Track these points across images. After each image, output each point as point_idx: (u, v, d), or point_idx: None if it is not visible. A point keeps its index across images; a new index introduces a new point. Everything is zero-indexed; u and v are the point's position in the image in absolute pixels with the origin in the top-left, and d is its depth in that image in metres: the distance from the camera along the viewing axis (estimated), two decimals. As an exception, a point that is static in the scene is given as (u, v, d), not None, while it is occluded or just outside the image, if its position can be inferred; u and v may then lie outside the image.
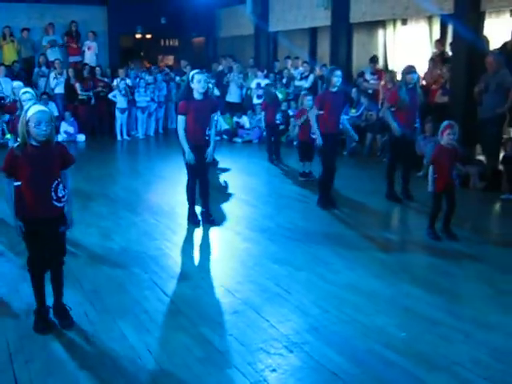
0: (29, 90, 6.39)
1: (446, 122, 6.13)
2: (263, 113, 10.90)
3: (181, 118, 6.48)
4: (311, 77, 13.29)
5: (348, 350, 3.89)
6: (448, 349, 3.90)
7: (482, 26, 10.07)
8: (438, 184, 6.12)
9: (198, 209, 6.91)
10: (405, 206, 7.77)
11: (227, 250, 6.04)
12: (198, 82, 6.35)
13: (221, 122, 13.24)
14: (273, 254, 5.75)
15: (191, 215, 6.82)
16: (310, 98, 8.84)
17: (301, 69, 13.84)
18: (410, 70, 7.64)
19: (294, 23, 14.28)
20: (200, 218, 6.85)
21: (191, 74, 6.53)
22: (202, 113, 6.47)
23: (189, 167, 6.64)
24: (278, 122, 10.83)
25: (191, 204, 6.81)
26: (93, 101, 13.97)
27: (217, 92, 10.33)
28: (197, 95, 6.43)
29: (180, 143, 6.53)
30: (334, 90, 7.20)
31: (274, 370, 3.65)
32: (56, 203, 3.99)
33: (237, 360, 3.75)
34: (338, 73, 7.19)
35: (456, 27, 10.05)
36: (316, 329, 4.19)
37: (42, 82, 14.19)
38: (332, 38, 12.95)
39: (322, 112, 7.18)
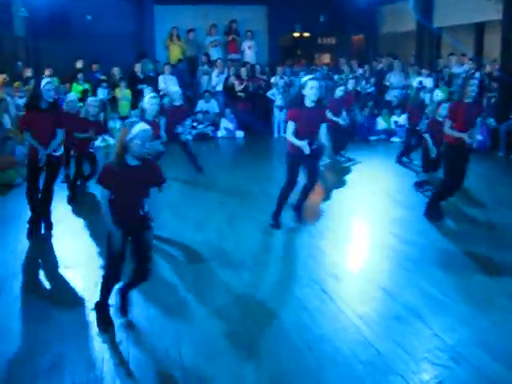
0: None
1: None
2: (407, 115, 10.63)
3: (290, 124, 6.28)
4: (478, 75, 12.57)
5: (522, 368, 3.62)
6: None
7: None
8: None
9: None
10: None
11: (385, 251, 5.86)
12: (311, 88, 6.12)
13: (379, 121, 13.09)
14: (435, 259, 5.51)
15: (275, 218, 6.64)
16: (446, 105, 7.84)
17: (466, 66, 13.16)
18: None
19: (460, 18, 13.58)
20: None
21: (304, 79, 6.28)
22: (311, 122, 6.23)
23: (290, 167, 6.48)
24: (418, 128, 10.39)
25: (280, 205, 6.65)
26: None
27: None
28: (308, 103, 6.22)
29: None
30: (469, 100, 6.59)
31: (440, 383, 3.48)
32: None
33: (400, 367, 3.64)
34: (474, 81, 6.62)
35: None
36: (485, 342, 3.94)
37: (204, 80, 14.82)
38: (503, 33, 12.12)
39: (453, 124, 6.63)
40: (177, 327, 4.23)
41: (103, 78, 13.90)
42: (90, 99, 8.31)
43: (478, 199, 7.83)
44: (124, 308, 4.34)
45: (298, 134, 6.24)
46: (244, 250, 5.86)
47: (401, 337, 4.02)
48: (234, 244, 6.03)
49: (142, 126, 3.92)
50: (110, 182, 3.96)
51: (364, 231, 6.50)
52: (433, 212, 6.88)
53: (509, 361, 3.70)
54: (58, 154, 6.37)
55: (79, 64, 14.11)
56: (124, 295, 4.32)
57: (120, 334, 4.12)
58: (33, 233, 6.38)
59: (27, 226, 6.40)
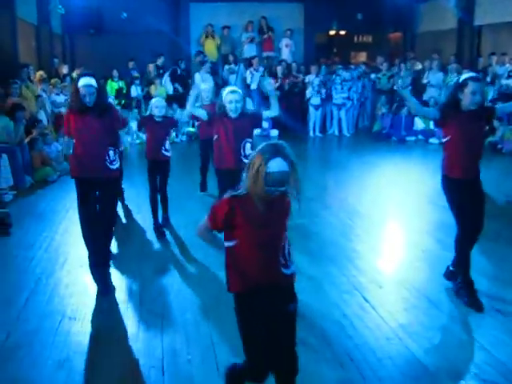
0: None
1: None
2: None
3: None
4: (520, 74, 12.23)
5: None
6: None
7: None
8: None
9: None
10: None
11: (428, 257, 5.63)
12: (472, 93, 4.38)
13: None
14: (483, 268, 5.19)
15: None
16: None
17: (508, 66, 12.78)
18: None
19: (504, 15, 13.16)
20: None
21: (462, 77, 4.56)
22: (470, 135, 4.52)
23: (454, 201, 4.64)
24: None
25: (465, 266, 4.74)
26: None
27: None
28: (465, 107, 4.47)
29: None
30: None
31: (490, 400, 3.29)
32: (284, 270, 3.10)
33: (447, 383, 3.45)
34: None
35: None
36: (539, 358, 3.72)
37: (231, 78, 14.70)
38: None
39: None
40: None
41: (136, 75, 13.93)
42: (155, 100, 6.72)
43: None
44: None
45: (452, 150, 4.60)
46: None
47: (446, 349, 3.84)
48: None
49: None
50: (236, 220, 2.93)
51: (405, 235, 6.28)
52: None
53: None
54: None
55: (159, 61, 14.49)
56: None
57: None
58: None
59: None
